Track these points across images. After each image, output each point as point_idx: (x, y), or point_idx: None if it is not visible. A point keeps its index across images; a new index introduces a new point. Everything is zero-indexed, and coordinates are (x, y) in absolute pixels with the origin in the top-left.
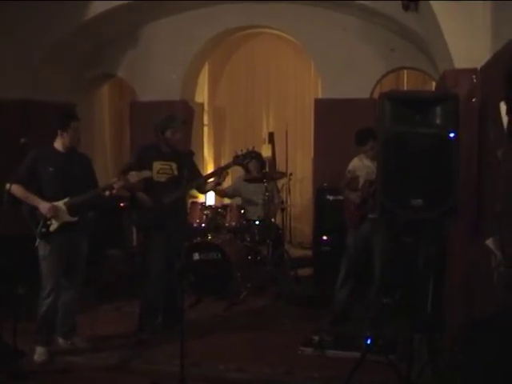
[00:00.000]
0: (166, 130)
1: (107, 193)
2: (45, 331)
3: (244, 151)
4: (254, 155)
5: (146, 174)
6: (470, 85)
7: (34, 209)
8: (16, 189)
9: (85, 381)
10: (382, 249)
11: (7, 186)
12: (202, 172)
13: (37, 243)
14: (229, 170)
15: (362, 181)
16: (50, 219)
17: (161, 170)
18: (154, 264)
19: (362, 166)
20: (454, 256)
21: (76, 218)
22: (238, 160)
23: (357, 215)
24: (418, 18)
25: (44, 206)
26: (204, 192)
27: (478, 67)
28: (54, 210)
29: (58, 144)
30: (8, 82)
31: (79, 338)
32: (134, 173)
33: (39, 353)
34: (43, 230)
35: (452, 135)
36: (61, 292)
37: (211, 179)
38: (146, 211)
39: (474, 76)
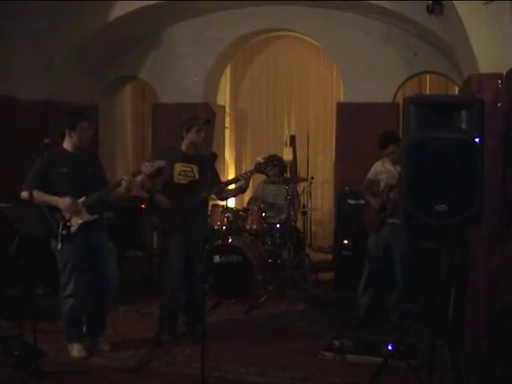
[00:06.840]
0: (191, 129)
1: (129, 194)
2: (74, 327)
3: (266, 157)
4: (276, 163)
5: (159, 163)
6: (495, 90)
7: (55, 211)
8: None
9: (103, 382)
10: (402, 254)
11: (23, 194)
12: (222, 175)
13: (59, 246)
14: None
15: (382, 185)
16: (69, 220)
17: (182, 172)
18: (173, 266)
19: (383, 170)
20: (477, 263)
21: (96, 216)
22: (259, 168)
23: (376, 220)
24: (442, 21)
25: (64, 201)
26: (222, 198)
27: (504, 72)
28: (75, 205)
29: (68, 144)
30: (31, 84)
31: (100, 337)
32: (146, 163)
33: (78, 349)
34: (64, 232)
35: (477, 140)
36: (84, 291)
37: (231, 186)
38: (166, 213)
39: (499, 81)
